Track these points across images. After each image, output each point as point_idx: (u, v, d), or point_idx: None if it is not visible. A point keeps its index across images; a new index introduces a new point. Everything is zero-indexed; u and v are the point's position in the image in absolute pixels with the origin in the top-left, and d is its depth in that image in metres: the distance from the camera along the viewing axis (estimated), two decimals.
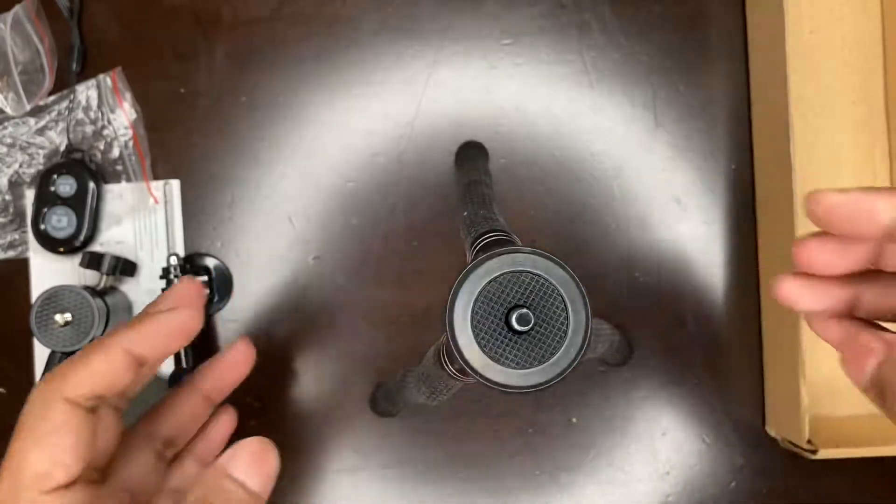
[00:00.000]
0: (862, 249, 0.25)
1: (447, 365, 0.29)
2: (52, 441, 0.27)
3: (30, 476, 0.26)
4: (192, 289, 0.33)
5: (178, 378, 0.50)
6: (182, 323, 0.31)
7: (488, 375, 0.24)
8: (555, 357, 0.24)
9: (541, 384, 0.24)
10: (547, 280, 0.24)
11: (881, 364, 0.24)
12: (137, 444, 0.33)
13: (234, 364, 0.34)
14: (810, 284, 0.27)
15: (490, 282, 0.24)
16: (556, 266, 0.25)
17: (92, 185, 0.51)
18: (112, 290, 0.52)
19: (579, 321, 0.24)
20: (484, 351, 0.24)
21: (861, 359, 0.25)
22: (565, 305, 0.24)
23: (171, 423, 0.34)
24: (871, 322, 0.27)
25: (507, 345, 0.24)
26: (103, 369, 0.29)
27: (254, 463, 0.29)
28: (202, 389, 0.36)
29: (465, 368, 0.24)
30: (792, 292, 0.27)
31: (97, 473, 0.30)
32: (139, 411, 0.37)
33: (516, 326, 0.24)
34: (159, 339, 0.30)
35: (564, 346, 0.24)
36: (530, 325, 0.24)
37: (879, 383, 0.24)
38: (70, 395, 0.28)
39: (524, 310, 0.24)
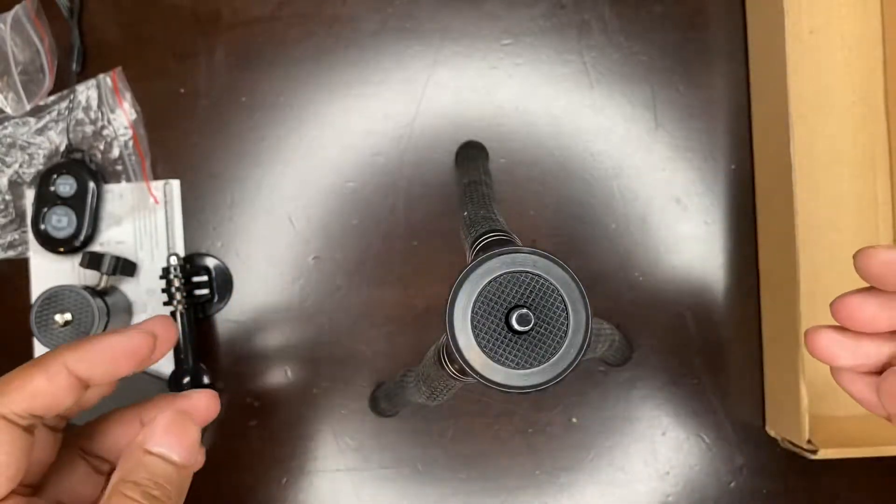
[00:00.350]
0: None
1: (447, 365, 0.29)
2: None
3: None
4: (160, 320, 0.30)
5: (179, 378, 0.50)
6: (133, 347, 0.29)
7: (488, 376, 0.24)
8: (555, 357, 0.24)
9: (541, 384, 0.24)
10: (547, 280, 0.24)
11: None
12: (72, 458, 0.32)
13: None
14: (849, 340, 0.26)
15: (490, 282, 0.24)
16: (556, 266, 0.24)
17: (92, 185, 0.51)
18: (112, 290, 0.52)
19: (579, 321, 0.24)
20: (484, 351, 0.24)
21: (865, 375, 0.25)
22: (565, 305, 0.24)
23: (107, 445, 0.32)
24: None
25: (507, 345, 0.24)
26: (43, 389, 0.27)
27: (169, 433, 0.28)
28: (145, 419, 0.34)
29: (465, 368, 0.24)
30: (830, 349, 0.26)
31: (29, 489, 0.29)
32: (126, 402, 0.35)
33: (516, 326, 0.24)
34: (104, 362, 0.29)
35: (564, 346, 0.24)
36: (530, 326, 0.24)
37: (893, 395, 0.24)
38: (4, 412, 0.27)
39: (524, 310, 0.24)
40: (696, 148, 0.53)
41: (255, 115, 0.53)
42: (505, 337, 0.24)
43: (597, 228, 0.53)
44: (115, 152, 0.53)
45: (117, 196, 0.53)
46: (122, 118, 0.53)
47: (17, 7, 0.51)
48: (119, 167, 0.53)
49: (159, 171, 0.53)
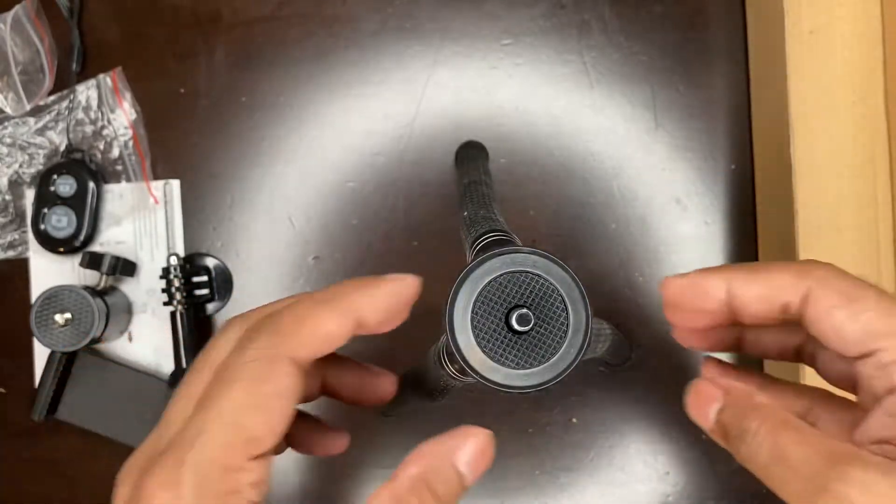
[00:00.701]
0: (719, 314, 0.28)
1: (447, 365, 0.29)
2: (274, 405, 0.24)
3: (244, 438, 0.23)
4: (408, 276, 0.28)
5: (178, 378, 0.50)
6: (410, 295, 0.27)
7: (488, 376, 0.24)
8: (555, 357, 0.24)
9: (541, 384, 0.24)
10: (547, 280, 0.24)
11: (721, 410, 0.27)
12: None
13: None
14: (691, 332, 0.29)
15: (490, 282, 0.24)
16: (556, 266, 0.24)
17: (92, 185, 0.51)
18: (112, 290, 0.52)
19: (579, 321, 0.24)
20: (484, 351, 0.24)
21: (703, 406, 0.27)
22: (565, 305, 0.24)
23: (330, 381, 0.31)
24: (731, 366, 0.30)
25: (507, 345, 0.24)
26: (332, 334, 0.25)
27: (479, 459, 0.26)
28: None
29: (464, 368, 0.24)
30: (679, 337, 0.30)
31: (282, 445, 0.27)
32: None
33: (516, 327, 0.24)
34: (387, 309, 0.27)
35: (564, 346, 0.24)
36: (530, 326, 0.24)
37: (722, 427, 0.27)
38: (297, 357, 0.24)
39: (524, 310, 0.24)
40: (696, 148, 0.53)
41: (255, 115, 0.53)
42: (505, 337, 0.24)
43: (597, 228, 0.53)
44: (115, 152, 0.53)
45: (117, 196, 0.53)
46: (122, 118, 0.53)
47: (17, 7, 0.51)
48: (119, 167, 0.53)
49: (159, 171, 0.53)
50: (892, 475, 0.23)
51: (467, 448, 0.26)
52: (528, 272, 0.24)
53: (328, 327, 0.25)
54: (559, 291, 0.24)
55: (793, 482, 0.25)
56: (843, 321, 0.26)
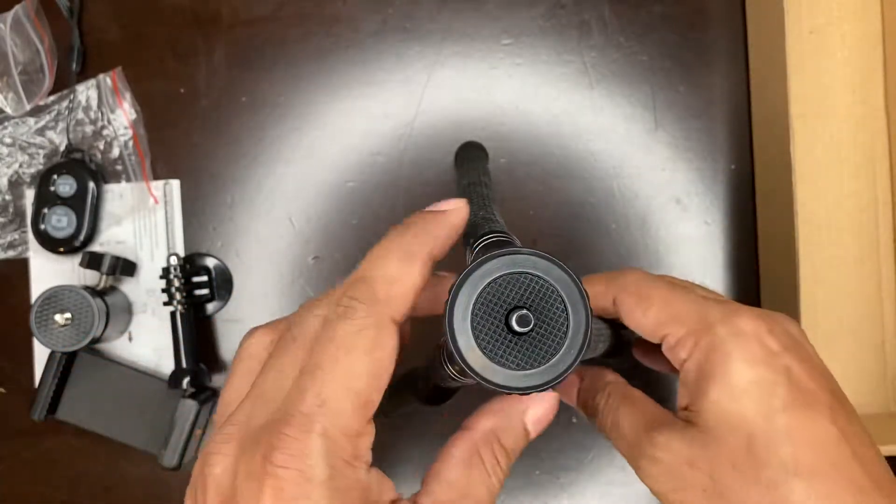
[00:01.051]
0: None
1: (447, 366, 0.29)
2: (386, 369, 0.25)
3: (363, 403, 0.24)
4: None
5: (178, 378, 0.50)
6: (462, 215, 0.29)
7: (489, 377, 0.24)
8: (555, 358, 0.24)
9: (541, 385, 0.24)
10: (546, 281, 0.24)
11: (580, 391, 0.35)
12: None
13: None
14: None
15: (490, 283, 0.24)
16: (556, 267, 0.24)
17: (92, 185, 0.51)
18: (112, 290, 0.52)
19: (579, 321, 0.24)
20: (484, 353, 0.24)
21: (569, 388, 0.36)
22: (565, 306, 0.24)
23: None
24: None
25: (507, 346, 0.24)
26: (420, 283, 0.26)
27: (545, 418, 0.28)
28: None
29: (465, 370, 0.24)
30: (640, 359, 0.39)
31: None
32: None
33: (516, 328, 0.24)
34: (451, 240, 0.28)
35: (565, 346, 0.24)
36: (530, 327, 0.24)
37: (583, 403, 0.35)
38: (398, 319, 0.25)
39: (524, 311, 0.24)
40: (696, 148, 0.53)
41: (256, 115, 0.53)
42: (505, 338, 0.24)
43: (597, 228, 0.53)
44: (115, 152, 0.53)
45: (117, 196, 0.53)
46: (122, 118, 0.53)
47: (17, 7, 0.51)
48: (119, 167, 0.53)
49: (159, 171, 0.53)
50: (683, 433, 0.29)
51: (538, 408, 0.28)
52: (527, 273, 0.24)
53: (416, 281, 0.26)
54: (559, 292, 0.24)
55: (623, 447, 0.32)
56: (639, 319, 0.31)
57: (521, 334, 0.24)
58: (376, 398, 0.25)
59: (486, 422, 0.28)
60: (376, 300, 0.25)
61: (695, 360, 0.30)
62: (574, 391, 0.36)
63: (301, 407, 0.23)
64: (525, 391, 0.24)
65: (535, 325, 0.24)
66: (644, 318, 0.31)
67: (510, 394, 0.24)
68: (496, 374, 0.24)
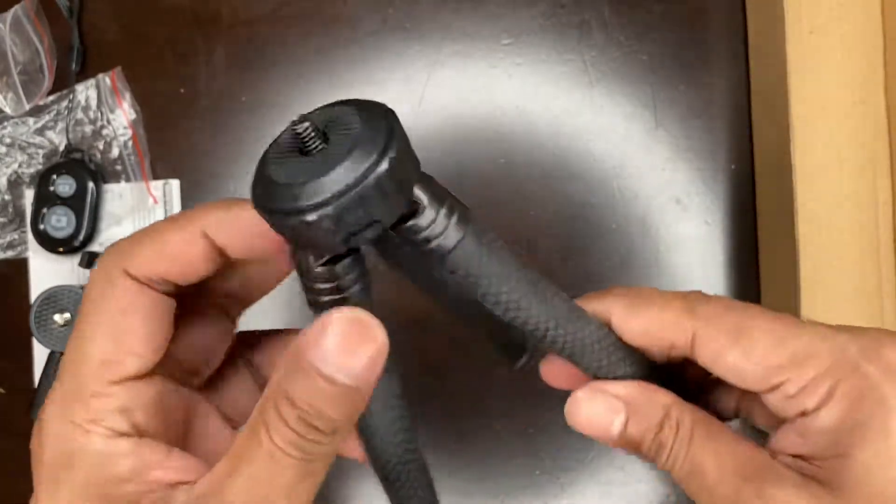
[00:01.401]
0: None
1: (308, 267, 0.25)
2: (120, 323, 0.23)
3: (94, 364, 0.23)
4: None
5: None
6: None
7: (302, 203, 0.21)
8: (349, 159, 0.21)
9: (352, 184, 0.21)
10: (335, 107, 0.22)
11: (625, 423, 0.27)
12: (237, 366, 0.29)
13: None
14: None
15: (285, 131, 0.22)
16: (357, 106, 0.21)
17: (91, 185, 0.51)
18: None
19: (376, 123, 0.21)
20: (283, 183, 0.21)
21: (600, 420, 0.28)
22: (357, 115, 0.22)
23: (269, 360, 0.30)
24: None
25: (301, 165, 0.22)
26: (177, 252, 0.23)
27: (345, 352, 0.21)
28: None
29: (283, 225, 0.21)
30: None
31: (188, 377, 0.26)
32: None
33: (308, 145, 0.21)
34: (244, 231, 0.25)
35: (363, 141, 0.21)
36: (318, 142, 0.21)
37: (630, 442, 0.27)
38: (136, 273, 0.23)
39: (305, 123, 0.21)
40: (696, 148, 0.53)
41: (255, 115, 0.53)
42: (299, 161, 0.22)
43: (597, 228, 0.53)
44: (115, 152, 0.53)
45: (117, 196, 0.53)
46: (122, 118, 0.53)
47: (17, 7, 0.51)
48: (119, 167, 0.53)
49: (159, 171, 0.53)
50: (805, 491, 0.23)
51: (327, 343, 0.21)
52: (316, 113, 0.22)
53: (171, 246, 0.23)
54: (349, 110, 0.22)
55: (707, 499, 0.25)
56: (736, 362, 0.25)
57: (314, 151, 0.21)
58: (117, 357, 0.23)
59: (275, 374, 0.21)
60: (114, 253, 0.23)
61: (835, 410, 0.24)
62: (611, 424, 0.28)
63: (58, 377, 0.24)
64: (341, 196, 0.20)
65: (325, 137, 0.21)
66: (746, 363, 0.25)
67: (322, 212, 0.21)
68: (305, 193, 0.21)
